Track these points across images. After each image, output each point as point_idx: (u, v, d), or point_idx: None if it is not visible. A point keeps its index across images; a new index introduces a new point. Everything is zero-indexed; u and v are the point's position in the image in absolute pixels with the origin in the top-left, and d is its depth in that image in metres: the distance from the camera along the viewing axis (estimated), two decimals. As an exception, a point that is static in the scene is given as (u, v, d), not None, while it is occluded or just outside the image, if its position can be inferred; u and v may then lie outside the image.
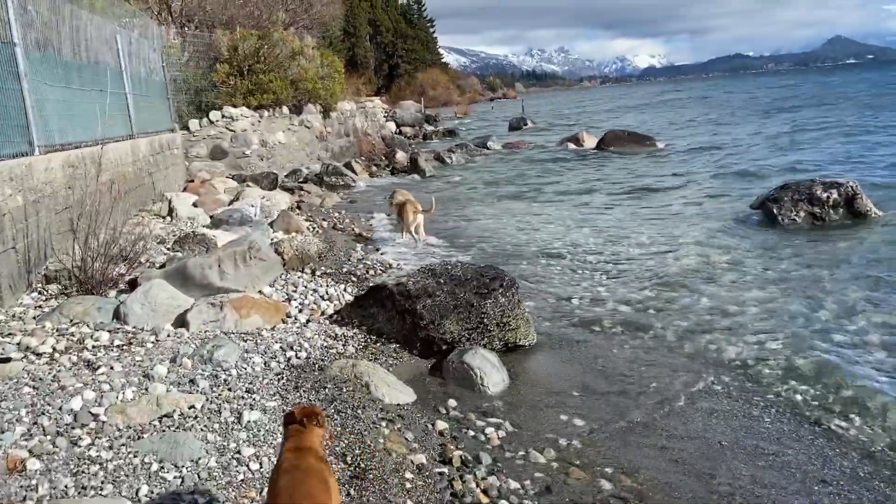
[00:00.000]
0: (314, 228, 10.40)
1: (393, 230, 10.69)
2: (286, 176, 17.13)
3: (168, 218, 10.00)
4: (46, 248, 6.69)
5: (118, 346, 4.90)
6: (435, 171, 19.83)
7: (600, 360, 5.28)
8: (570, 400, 4.52)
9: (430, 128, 37.00)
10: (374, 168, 19.54)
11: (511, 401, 4.52)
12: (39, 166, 6.71)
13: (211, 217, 10.15)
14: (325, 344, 5.27)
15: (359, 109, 22.38)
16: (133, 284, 6.14)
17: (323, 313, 6.04)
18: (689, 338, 5.63)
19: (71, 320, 5.30)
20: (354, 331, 5.60)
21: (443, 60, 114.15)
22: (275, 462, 2.87)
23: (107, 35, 10.50)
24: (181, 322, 5.47)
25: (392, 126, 29.35)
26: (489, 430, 4.08)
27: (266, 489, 2.71)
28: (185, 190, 13.53)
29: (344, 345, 5.31)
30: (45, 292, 6.10)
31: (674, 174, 16.25)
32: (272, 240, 8.65)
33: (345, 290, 6.65)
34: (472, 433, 4.05)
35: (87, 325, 5.25)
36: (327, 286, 6.75)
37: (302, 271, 7.20)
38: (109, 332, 5.14)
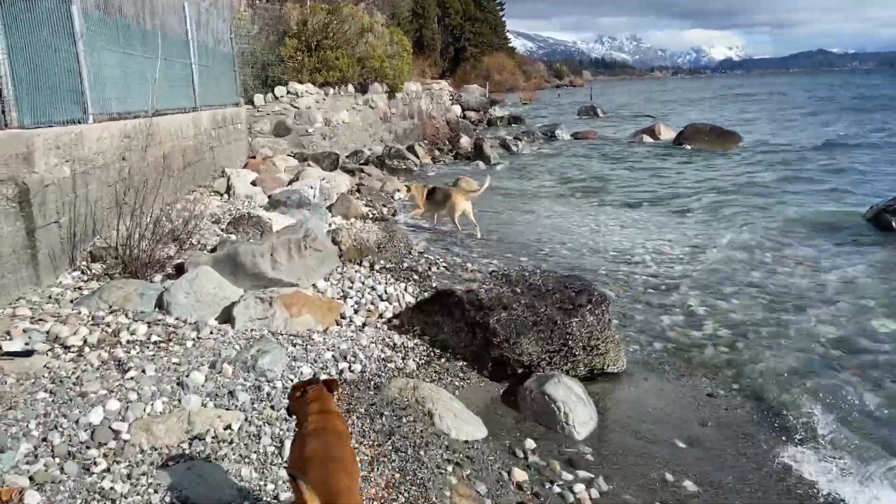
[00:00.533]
0: (373, 215, 9.79)
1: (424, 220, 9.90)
2: (347, 157, 16.64)
3: (226, 195, 9.58)
4: (96, 224, 6.29)
5: (155, 342, 4.37)
6: (500, 158, 18.98)
7: (704, 400, 4.42)
8: (676, 453, 3.71)
9: (495, 113, 35.93)
10: (436, 153, 18.85)
11: (602, 448, 3.75)
12: (92, 135, 6.28)
13: (269, 197, 9.68)
14: (383, 355, 4.60)
15: (425, 91, 21.69)
16: (180, 270, 5.63)
17: (381, 316, 5.38)
18: (815, 375, 4.70)
19: (110, 307, 4.83)
20: (415, 341, 4.91)
21: (510, 45, 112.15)
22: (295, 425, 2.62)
23: (175, 1, 10.12)
24: (227, 317, 4.92)
25: (457, 110, 28.49)
26: (578, 486, 3.33)
27: (290, 451, 2.44)
28: (245, 166, 13.18)
29: (403, 358, 4.64)
30: (89, 272, 5.67)
31: (765, 175, 14.90)
32: (330, 226, 8.08)
33: (405, 289, 5.97)
34: (557, 490, 3.31)
35: (126, 315, 4.76)
36: (386, 283, 6.09)
37: (360, 264, 6.57)
38: (149, 324, 4.63)
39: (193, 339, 4.48)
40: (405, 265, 6.86)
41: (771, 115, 33.03)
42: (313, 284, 5.75)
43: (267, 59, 16.69)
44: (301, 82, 16.43)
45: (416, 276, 6.48)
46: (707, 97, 56.87)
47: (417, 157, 16.92)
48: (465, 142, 20.35)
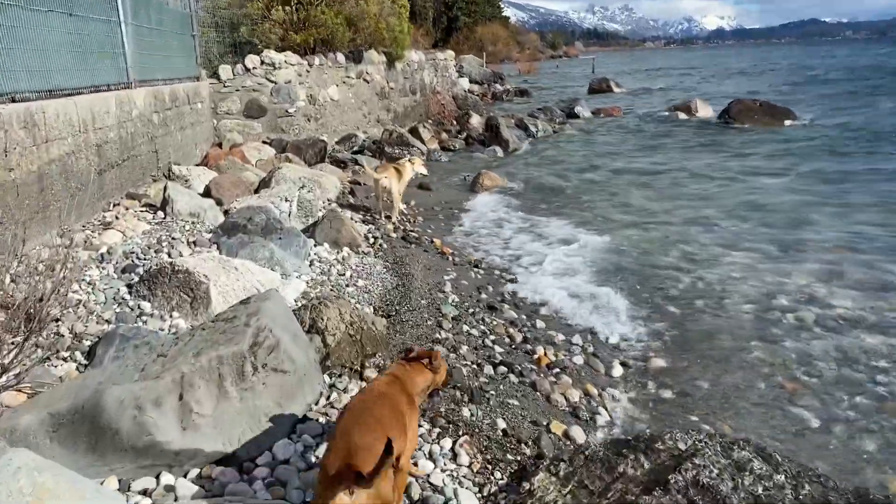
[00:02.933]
0: (376, 241, 6.85)
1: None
2: (338, 142, 13.61)
3: (161, 213, 6.59)
4: None
5: None
6: (520, 141, 15.99)
7: None
8: None
9: (500, 87, 32.70)
10: (444, 135, 15.80)
11: None
12: None
13: (225, 214, 6.72)
14: None
15: (428, 62, 18.54)
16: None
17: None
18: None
19: None
20: None
21: (503, 14, 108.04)
22: None
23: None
24: None
25: (465, 83, 25.16)
26: None
27: None
28: (204, 161, 10.15)
29: None
30: None
31: (858, 160, 12.10)
32: (308, 283, 5.16)
33: (477, 450, 3.04)
34: None
35: None
36: (436, 434, 3.14)
37: (361, 376, 3.64)
38: None
39: None
40: (467, 370, 3.90)
41: (804, 88, 29.98)
42: (270, 450, 2.84)
43: (236, 19, 13.53)
44: (280, 49, 13.31)
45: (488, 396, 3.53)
46: (716, 68, 53.54)
47: (423, 142, 13.90)
48: (477, 122, 17.29)
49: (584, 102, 21.70)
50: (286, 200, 6.70)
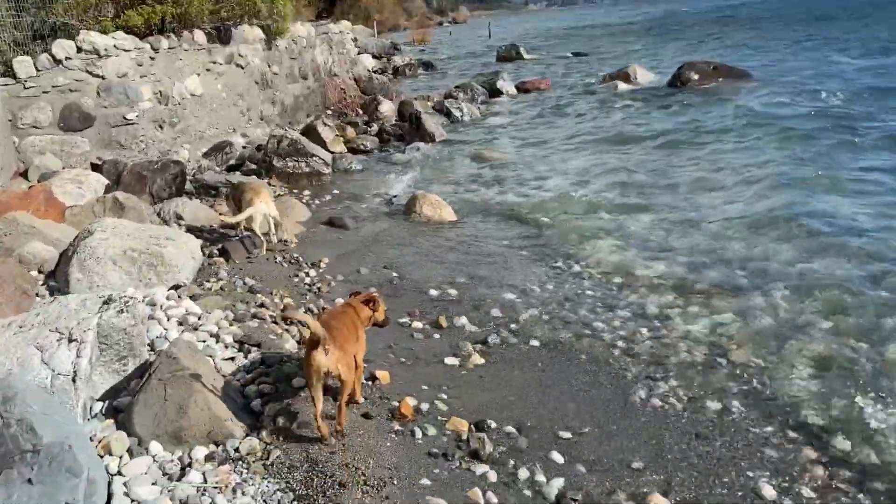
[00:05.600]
0: (276, 415, 3.48)
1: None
2: (206, 154, 9.90)
3: None
4: None
5: None
6: (446, 132, 12.83)
7: None
8: None
9: (399, 60, 29.09)
10: (349, 131, 12.35)
11: None
12: None
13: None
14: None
15: (320, 37, 14.76)
16: None
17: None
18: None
19: None
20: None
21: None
22: None
23: None
24: None
25: (367, 61, 21.28)
26: None
27: None
28: (-27, 216, 6.32)
29: None
30: None
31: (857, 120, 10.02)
32: None
33: None
34: None
35: None
36: None
37: None
38: None
39: None
40: None
41: (724, 41, 28.53)
42: None
43: (35, -10, 9.41)
44: (105, 31, 9.34)
45: None
46: (610, 28, 52.19)
47: (325, 146, 10.42)
48: (388, 109, 13.91)
49: (506, 76, 18.74)
50: (70, 342, 3.26)
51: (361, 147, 11.58)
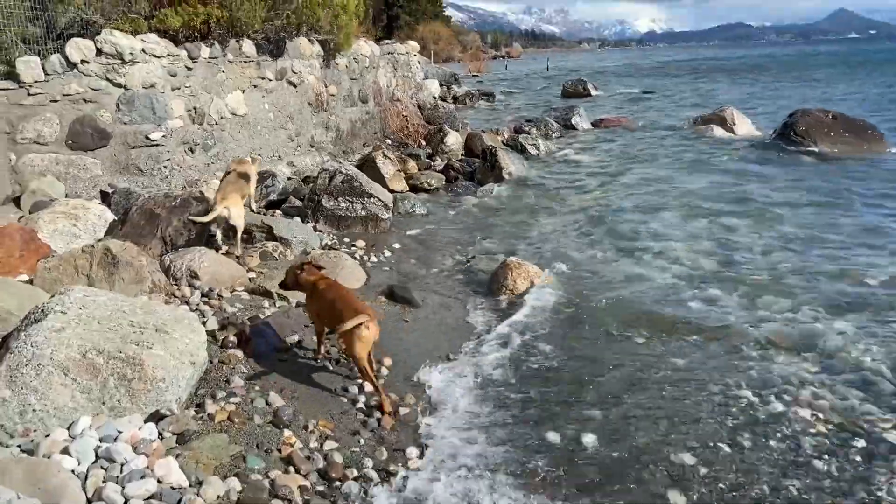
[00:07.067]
0: None
1: None
2: (243, 186, 8.14)
3: None
4: None
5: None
6: (522, 167, 10.89)
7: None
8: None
9: (459, 89, 27.49)
10: (411, 165, 10.53)
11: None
12: None
13: None
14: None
15: (384, 57, 13.09)
16: None
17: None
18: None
19: None
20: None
21: (445, 13, 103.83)
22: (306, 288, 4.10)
23: None
24: None
25: (434, 87, 19.47)
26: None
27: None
28: None
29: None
30: None
31: None
32: None
33: None
34: None
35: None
36: None
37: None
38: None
39: None
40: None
41: (819, 93, 26.11)
42: None
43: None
44: (135, 32, 7.75)
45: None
46: (669, 67, 50.01)
47: (384, 184, 8.58)
48: (454, 141, 12.07)
49: (582, 112, 16.81)
50: None
51: (426, 185, 9.72)
